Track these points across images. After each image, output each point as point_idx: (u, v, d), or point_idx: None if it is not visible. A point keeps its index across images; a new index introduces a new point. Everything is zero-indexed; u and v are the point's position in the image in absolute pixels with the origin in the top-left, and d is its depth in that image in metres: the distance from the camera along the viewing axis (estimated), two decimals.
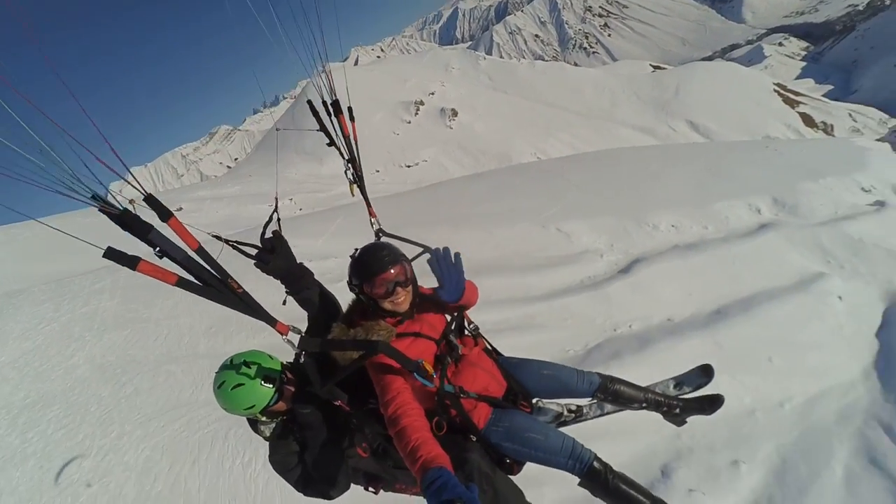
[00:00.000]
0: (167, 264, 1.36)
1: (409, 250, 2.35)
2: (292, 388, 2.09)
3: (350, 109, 2.47)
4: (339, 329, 2.04)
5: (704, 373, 2.75)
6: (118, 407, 5.74)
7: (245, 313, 1.54)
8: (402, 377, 1.89)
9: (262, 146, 54.26)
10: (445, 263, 2.07)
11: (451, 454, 1.64)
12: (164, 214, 1.36)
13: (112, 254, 1.27)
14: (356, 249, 2.07)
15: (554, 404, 2.59)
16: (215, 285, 1.46)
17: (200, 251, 1.44)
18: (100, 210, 1.23)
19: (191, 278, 1.42)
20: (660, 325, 6.31)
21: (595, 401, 2.54)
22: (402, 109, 49.39)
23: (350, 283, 2.06)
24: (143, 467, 4.84)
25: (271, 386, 1.99)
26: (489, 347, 2.46)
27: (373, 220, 2.60)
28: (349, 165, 2.51)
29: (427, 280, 2.15)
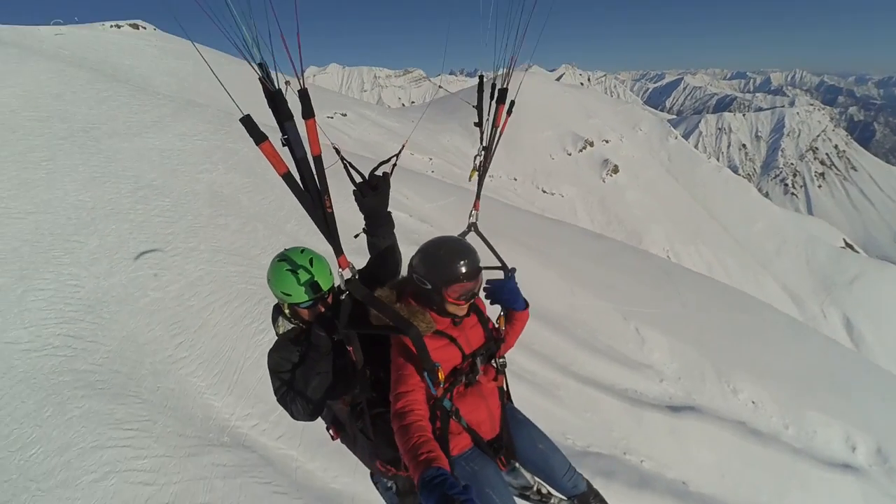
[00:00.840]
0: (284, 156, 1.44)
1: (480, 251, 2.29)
2: (323, 309, 2.12)
3: (512, 103, 2.40)
4: (388, 293, 2.01)
5: None
6: (205, 228, 6.65)
7: (322, 232, 1.60)
8: (419, 375, 1.86)
9: (437, 104, 57.15)
10: (514, 285, 2.21)
11: None
12: (307, 113, 1.41)
13: (247, 122, 1.33)
14: (436, 244, 1.98)
15: (530, 475, 2.44)
16: (312, 194, 1.52)
17: (318, 160, 1.48)
18: (259, 79, 1.29)
19: (296, 177, 1.48)
20: (671, 482, 5.73)
21: (568, 502, 2.37)
22: (570, 140, 48.60)
23: (417, 275, 1.95)
24: (192, 280, 5.61)
25: (312, 293, 2.06)
26: (505, 389, 2.33)
27: (474, 212, 2.51)
28: (482, 152, 2.45)
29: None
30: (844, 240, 55.58)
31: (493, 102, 2.36)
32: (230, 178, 8.47)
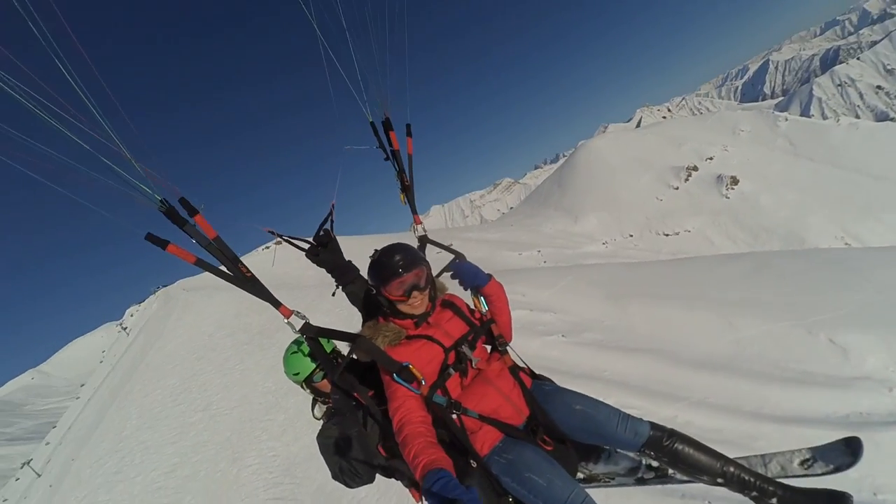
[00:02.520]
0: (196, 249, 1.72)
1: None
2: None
3: (408, 127, 2.59)
4: (371, 322, 2.07)
5: (849, 449, 2.04)
6: None
7: (254, 294, 1.79)
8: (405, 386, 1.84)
9: (529, 200, 59.19)
10: (468, 265, 2.21)
11: None
12: (192, 212, 1.70)
13: (151, 237, 1.60)
14: (376, 251, 2.04)
15: (631, 453, 2.13)
16: (228, 268, 1.75)
17: (217, 240, 1.73)
18: (158, 209, 1.64)
19: (213, 261, 1.72)
20: None
21: (646, 458, 2.05)
22: (672, 174, 45.94)
23: (370, 285, 2.04)
24: None
25: (313, 362, 2.23)
26: (522, 367, 2.21)
27: (417, 226, 2.54)
28: (399, 178, 2.56)
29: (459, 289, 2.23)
30: None
31: (383, 134, 2.51)
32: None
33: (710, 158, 46.07)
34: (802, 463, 2.11)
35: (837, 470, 2.07)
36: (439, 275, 2.23)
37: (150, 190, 1.60)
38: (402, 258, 1.93)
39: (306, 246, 2.36)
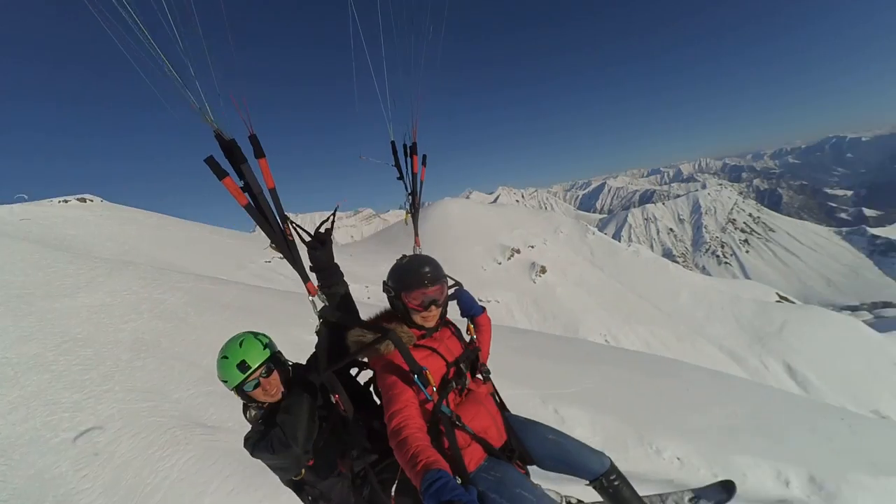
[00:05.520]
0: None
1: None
2: (276, 382, 2.13)
3: (424, 157, 2.71)
4: (358, 332, 2.01)
5: (725, 489, 2.54)
6: (123, 371, 7.05)
7: (286, 259, 1.73)
8: (410, 391, 1.84)
9: (378, 236, 60.35)
10: (468, 295, 2.43)
11: None
12: (259, 153, 1.61)
13: (211, 162, 1.49)
14: (404, 256, 2.13)
15: (552, 493, 2.30)
16: (272, 224, 1.67)
17: (273, 192, 1.67)
18: (215, 134, 1.49)
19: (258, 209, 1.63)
20: None
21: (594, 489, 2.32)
22: (499, 251, 52.83)
23: (386, 286, 2.07)
24: (103, 419, 5.89)
25: (241, 373, 2.06)
26: (497, 398, 2.34)
27: (417, 248, 2.65)
28: (409, 198, 2.70)
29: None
30: (778, 294, 58.61)
31: (407, 157, 2.67)
32: (153, 325, 8.88)
33: (532, 247, 53.92)
34: (691, 500, 2.56)
35: None
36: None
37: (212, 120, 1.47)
38: (430, 271, 2.03)
39: (308, 239, 2.36)
